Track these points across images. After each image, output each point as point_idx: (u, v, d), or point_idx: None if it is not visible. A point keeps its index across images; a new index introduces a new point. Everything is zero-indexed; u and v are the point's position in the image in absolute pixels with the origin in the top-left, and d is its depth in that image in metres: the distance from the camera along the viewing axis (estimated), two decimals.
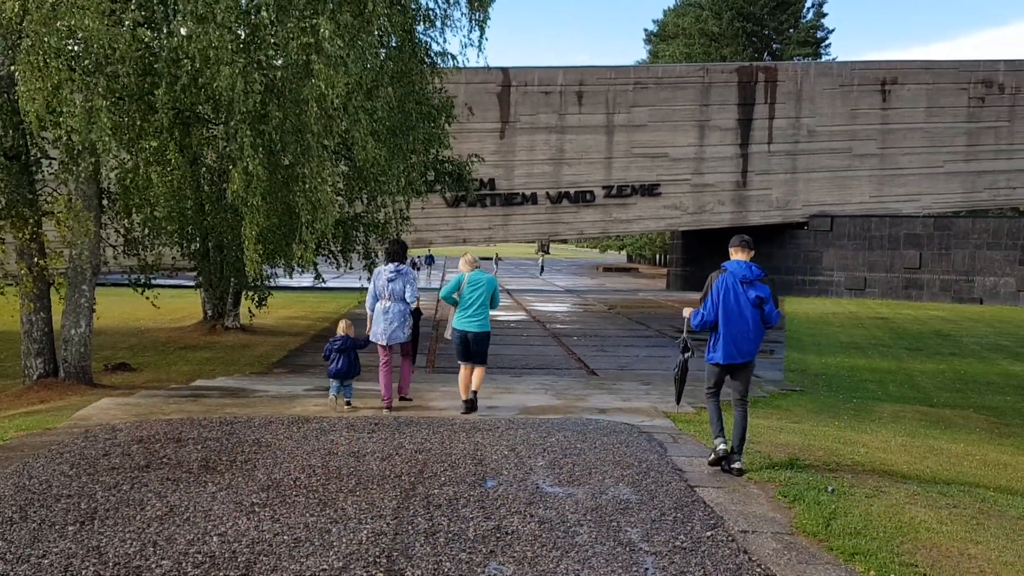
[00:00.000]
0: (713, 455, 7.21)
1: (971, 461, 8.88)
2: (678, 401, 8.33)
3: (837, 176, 36.60)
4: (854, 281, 35.67)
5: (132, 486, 6.33)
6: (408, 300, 9.52)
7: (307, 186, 10.72)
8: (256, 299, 17.76)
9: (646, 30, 69.60)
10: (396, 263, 9.56)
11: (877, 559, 5.17)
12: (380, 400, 9.81)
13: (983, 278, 33.72)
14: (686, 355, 7.65)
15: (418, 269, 55.01)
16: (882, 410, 12.31)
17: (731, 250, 7.35)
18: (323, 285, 20.50)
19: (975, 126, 36.59)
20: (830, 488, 6.61)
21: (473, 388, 9.60)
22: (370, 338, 9.66)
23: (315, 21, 9.60)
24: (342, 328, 10.02)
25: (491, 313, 9.65)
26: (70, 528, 5.36)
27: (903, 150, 36.55)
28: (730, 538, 5.46)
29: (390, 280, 9.45)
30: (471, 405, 9.57)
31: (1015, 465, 9.00)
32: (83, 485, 6.32)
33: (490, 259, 54.94)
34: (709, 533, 5.55)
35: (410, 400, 10.32)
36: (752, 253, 7.30)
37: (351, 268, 19.44)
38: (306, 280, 23.76)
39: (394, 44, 13.52)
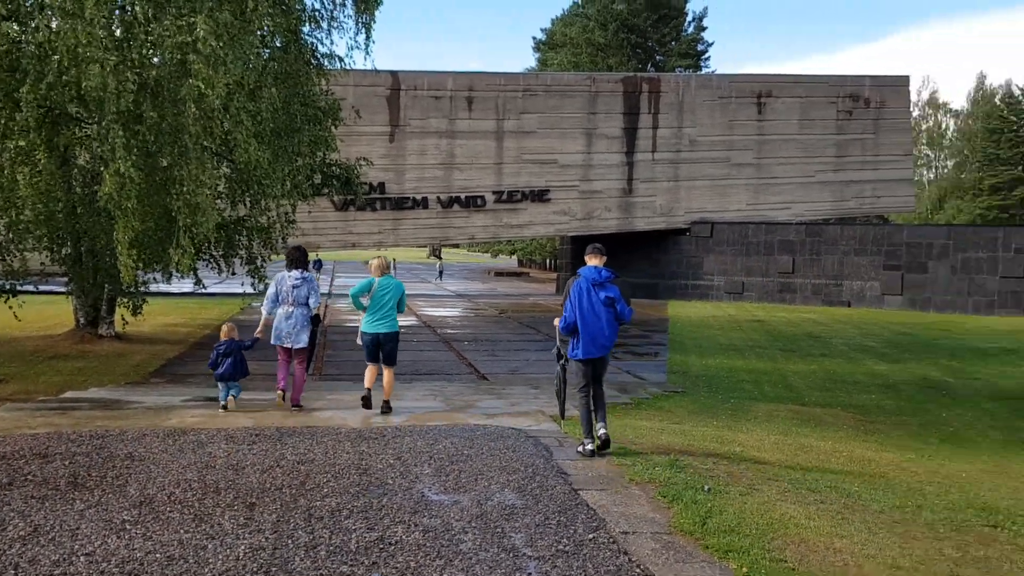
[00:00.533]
0: (583, 450, 7.99)
1: (838, 457, 9.37)
2: (562, 415, 9.26)
3: (717, 184, 37.97)
4: (733, 285, 37.06)
5: None
6: (311, 305, 9.88)
7: (185, 189, 10.37)
8: (131, 306, 17.01)
9: (534, 38, 70.52)
10: (300, 269, 9.88)
11: (749, 556, 5.38)
12: (276, 392, 10.15)
13: (851, 282, 35.61)
14: (561, 362, 8.45)
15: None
16: (758, 409, 12.82)
17: (586, 257, 8.23)
18: (204, 291, 19.81)
19: (843, 138, 38.64)
20: (707, 487, 6.85)
21: (385, 397, 10.01)
22: (272, 341, 9.86)
23: (192, 19, 9.30)
24: (225, 332, 10.17)
25: None
26: None
27: (777, 160, 38.25)
28: (611, 540, 5.58)
29: (295, 286, 9.77)
30: (368, 401, 10.00)
31: (878, 460, 9.54)
32: None
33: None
34: (591, 536, 5.65)
35: (300, 408, 10.25)
36: (604, 259, 8.15)
37: (234, 273, 18.85)
38: (186, 286, 22.93)
39: (279, 45, 13.25)
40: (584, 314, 7.84)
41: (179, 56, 9.42)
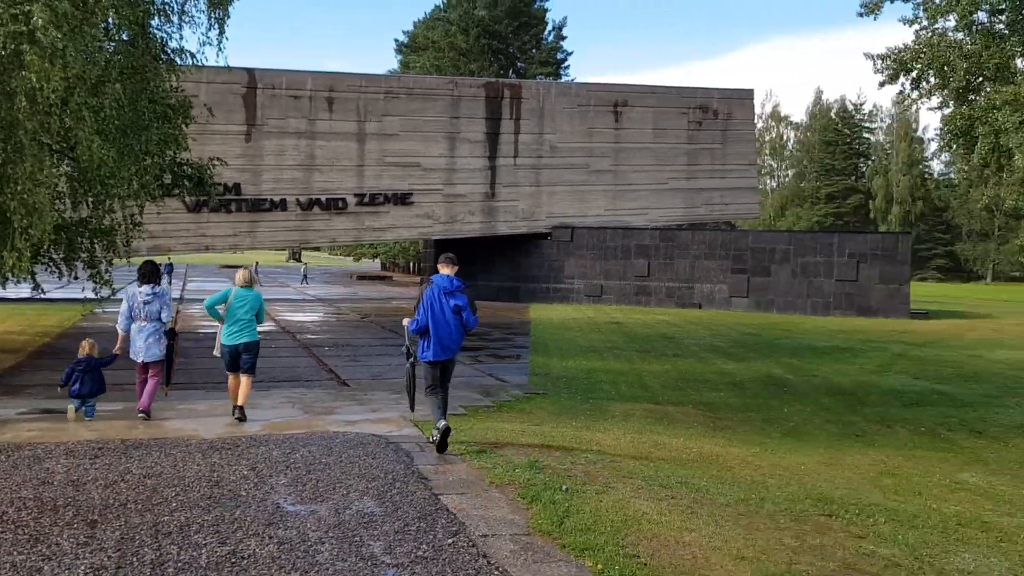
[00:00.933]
0: (437, 433, 8.33)
1: (689, 453, 9.79)
2: (412, 408, 9.51)
3: (576, 190, 38.90)
4: (592, 288, 38.04)
5: None
6: (164, 320, 9.95)
7: (20, 188, 9.68)
8: None
9: (397, 40, 70.06)
10: (152, 284, 9.92)
11: (604, 552, 5.55)
12: (137, 410, 9.96)
13: (701, 285, 37.28)
14: (410, 360, 8.89)
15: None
16: (615, 409, 13.21)
17: (439, 265, 8.89)
18: (44, 296, 18.56)
19: (694, 147, 40.43)
20: (564, 487, 7.01)
21: (240, 404, 9.98)
22: (130, 356, 9.88)
23: (28, 8, 8.70)
24: (85, 348, 10.06)
25: None
26: None
27: (633, 167, 39.59)
28: (471, 543, 5.63)
29: (146, 302, 9.82)
30: (240, 412, 9.96)
31: (725, 456, 10.03)
32: None
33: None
34: (451, 540, 5.68)
35: (148, 417, 9.93)
36: (456, 268, 8.81)
37: (76, 278, 17.74)
38: (24, 291, 21.43)
39: (125, 38, 12.59)
40: (435, 319, 8.48)
41: (13, 46, 8.79)
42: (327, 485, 6.97)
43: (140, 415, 9.91)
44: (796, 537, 6.23)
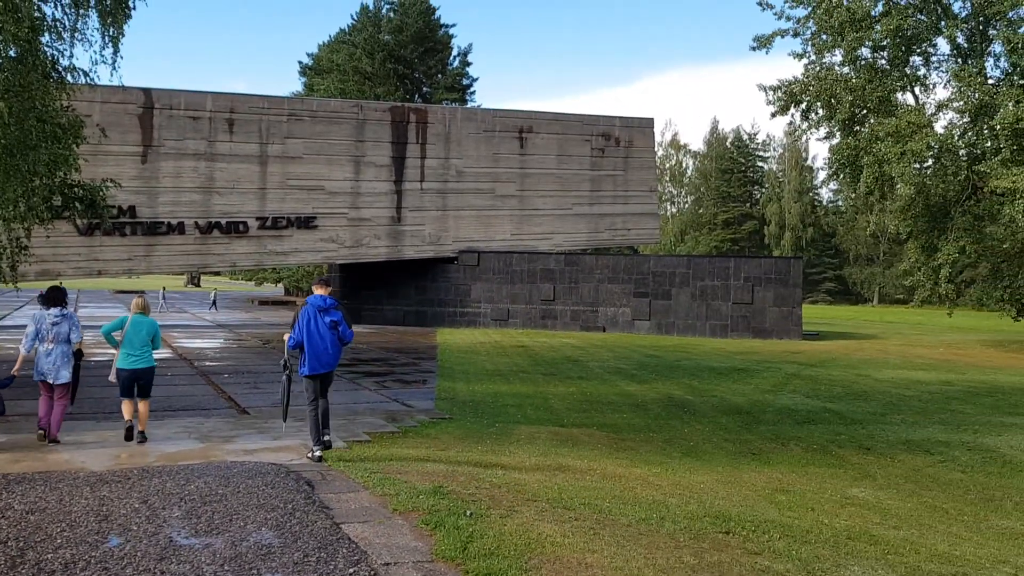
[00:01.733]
0: (311, 456, 9.14)
1: (592, 475, 9.90)
2: (284, 419, 10.23)
3: (483, 214, 39.13)
4: (499, 312, 38.22)
5: None
6: (73, 340, 10.08)
7: None
8: None
9: (301, 63, 69.27)
10: (60, 307, 10.11)
11: None
12: (36, 429, 10.13)
13: (606, 308, 37.94)
14: (286, 372, 9.57)
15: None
16: (520, 432, 13.26)
17: (313, 287, 9.51)
18: None
19: (597, 174, 41.27)
20: (468, 512, 7.00)
21: (140, 428, 10.22)
22: (35, 378, 9.95)
23: None
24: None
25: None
26: None
27: (538, 192, 40.11)
28: (372, 572, 5.55)
29: (55, 324, 9.96)
30: (138, 434, 10.18)
31: (628, 476, 10.18)
32: None
33: (156, 292, 53.06)
34: (352, 570, 5.59)
35: (58, 442, 10.00)
36: (330, 289, 9.48)
37: None
38: None
39: (12, 54, 12.07)
40: (311, 336, 9.09)
41: None
42: (223, 517, 6.76)
43: (49, 442, 9.89)
44: (695, 555, 6.38)
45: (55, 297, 10.22)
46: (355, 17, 63.08)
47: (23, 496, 7.28)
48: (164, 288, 58.20)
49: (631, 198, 41.98)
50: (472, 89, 63.95)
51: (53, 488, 7.60)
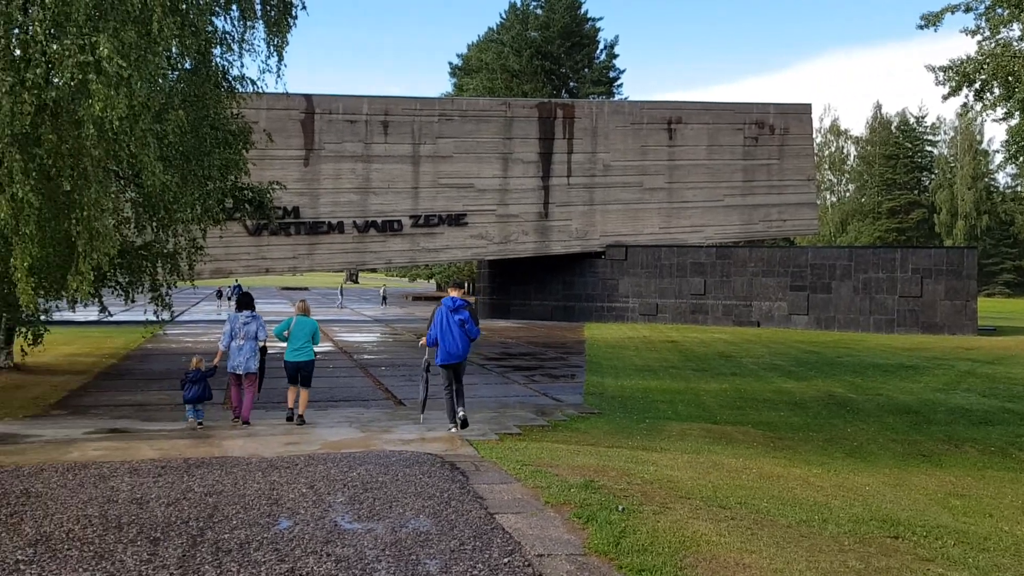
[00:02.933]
0: (450, 430, 10.66)
1: (748, 474, 9.58)
2: (422, 411, 11.50)
3: (630, 208, 38.74)
4: (647, 307, 37.75)
5: None
6: (260, 338, 11.57)
7: (85, 214, 10.00)
8: (30, 336, 16.25)
9: (451, 63, 70.89)
10: (249, 311, 11.64)
11: (662, 574, 5.45)
12: (231, 415, 11.66)
13: (760, 303, 36.72)
14: (426, 372, 11.13)
15: (228, 299, 53.16)
16: (671, 429, 13.03)
17: (448, 289, 11.03)
18: (110, 319, 19.08)
19: (750, 163, 39.99)
20: (621, 507, 6.92)
21: (300, 412, 11.58)
22: (228, 369, 11.46)
23: (94, 39, 9.01)
24: (194, 363, 11.62)
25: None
26: None
27: (688, 184, 39.30)
28: (526, 563, 5.58)
29: (245, 324, 11.50)
30: (298, 418, 11.51)
31: (786, 476, 9.80)
32: None
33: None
34: (506, 559, 5.64)
35: (249, 424, 11.31)
36: (462, 291, 10.81)
37: (133, 301, 18.20)
38: (92, 314, 22.07)
39: (188, 66, 12.94)
40: (443, 332, 10.57)
41: (80, 76, 9.12)
42: (383, 503, 6.99)
43: (241, 424, 11.31)
44: (861, 560, 6.05)
45: (245, 302, 11.83)
46: (503, 16, 63.92)
47: (202, 479, 7.80)
48: (342, 286, 61.75)
49: (787, 187, 40.43)
50: (619, 82, 63.49)
51: (229, 472, 8.11)
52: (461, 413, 10.72)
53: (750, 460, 10.64)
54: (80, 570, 5.31)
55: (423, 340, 11.02)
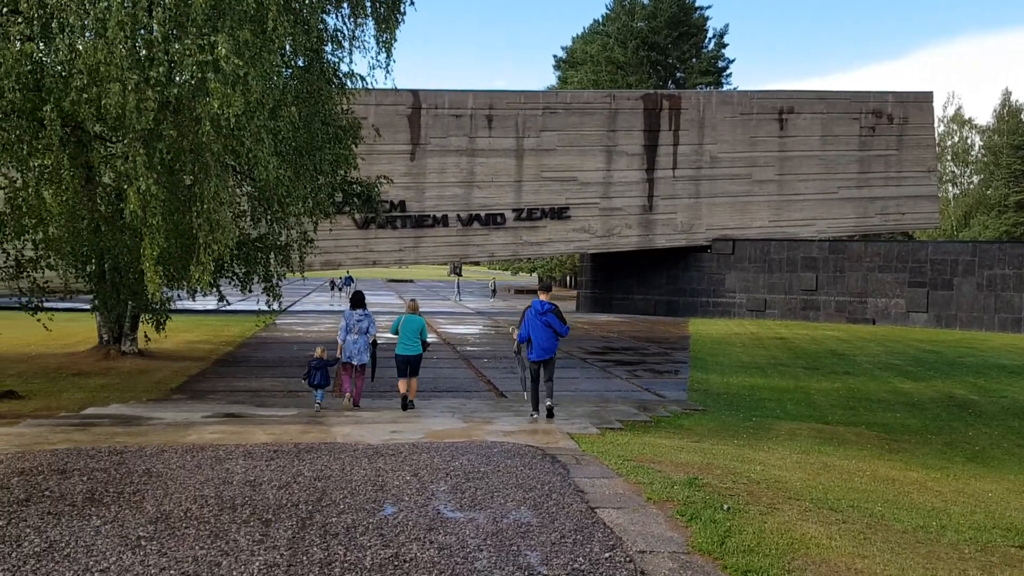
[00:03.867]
0: (536, 415, 11.55)
1: (861, 477, 9.21)
2: (524, 388, 12.20)
3: (738, 201, 37.82)
4: (755, 302, 36.79)
5: (9, 521, 5.99)
6: (370, 334, 12.76)
7: (205, 206, 10.44)
8: (154, 323, 17.13)
9: (555, 56, 70.80)
10: (361, 309, 12.87)
11: None
12: (345, 399, 12.80)
13: (875, 299, 35.27)
14: (518, 355, 12.11)
15: (339, 289, 54.96)
16: (779, 428, 12.67)
17: (538, 292, 11.97)
18: (227, 308, 19.92)
19: (866, 154, 38.40)
20: (726, 506, 6.76)
21: (411, 397, 12.57)
22: (343, 360, 12.69)
23: (213, 38, 9.38)
24: (318, 352, 12.74)
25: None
26: None
27: (800, 176, 38.06)
28: (627, 559, 5.51)
29: (359, 320, 12.73)
30: (406, 402, 12.46)
31: (902, 480, 9.38)
32: None
33: (452, 281, 60.30)
34: (607, 554, 5.59)
35: (359, 408, 12.46)
36: (549, 294, 11.90)
37: (250, 291, 18.94)
38: (210, 303, 23.08)
39: (300, 64, 13.33)
40: (534, 331, 11.45)
41: (199, 74, 9.51)
42: (485, 493, 7.04)
43: (352, 407, 12.50)
44: (983, 569, 5.73)
45: (358, 301, 13.07)
46: (609, 7, 63.36)
47: (312, 464, 8.04)
48: (458, 279, 62.84)
49: (905, 179, 38.66)
50: (728, 72, 62.05)
51: (337, 458, 8.33)
52: (548, 403, 11.56)
53: (863, 462, 10.23)
54: (196, 548, 5.55)
55: (514, 332, 12.07)
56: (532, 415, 11.59)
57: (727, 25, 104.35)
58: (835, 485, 8.37)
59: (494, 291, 56.79)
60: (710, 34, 61.53)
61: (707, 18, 60.86)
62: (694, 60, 60.38)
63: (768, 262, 36.70)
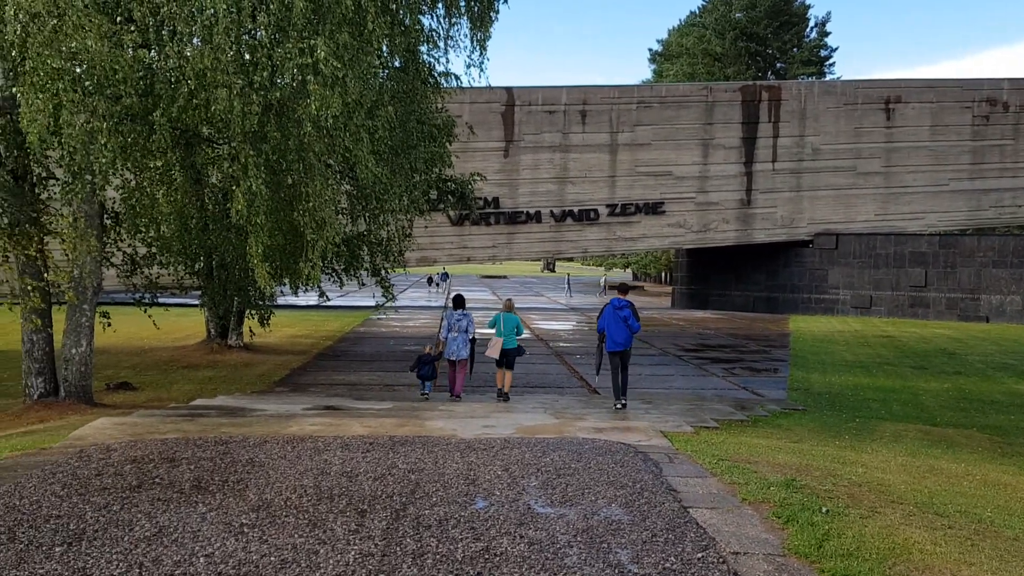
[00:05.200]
0: (616, 407, 12.26)
1: (971, 481, 8.79)
2: (597, 372, 13.57)
3: (842, 194, 36.58)
4: (860, 299, 35.54)
5: (122, 506, 6.32)
6: (469, 332, 13.59)
7: (310, 204, 10.77)
8: (260, 318, 17.77)
9: (650, 50, 69.97)
10: (461, 310, 13.75)
11: None
12: (449, 394, 13.76)
13: (989, 296, 33.57)
14: (602, 342, 12.82)
15: (436, 285, 56.05)
16: (884, 429, 12.22)
17: (617, 293, 13.06)
18: (327, 304, 20.50)
19: (979, 144, 36.57)
20: (824, 509, 6.56)
21: (505, 389, 13.40)
22: (445, 356, 13.68)
23: (313, 42, 9.65)
24: (426, 349, 14.12)
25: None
26: (57, 549, 5.35)
27: (908, 168, 36.54)
28: (721, 560, 5.42)
29: (458, 320, 13.62)
30: (503, 395, 13.31)
31: (1015, 485, 8.91)
32: (73, 505, 6.32)
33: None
34: (700, 555, 5.50)
35: (459, 398, 13.40)
36: (627, 293, 13.04)
37: (363, 285, 19.46)
38: (311, 298, 23.80)
39: (397, 64, 13.58)
40: (609, 325, 12.56)
41: (300, 77, 9.81)
42: (576, 490, 7.04)
43: (454, 398, 13.42)
44: None
45: (458, 302, 13.97)
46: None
47: (406, 457, 8.20)
48: (569, 275, 63.07)
49: (1022, 170, 36.64)
50: (831, 61, 60.05)
51: (430, 451, 8.47)
52: (624, 400, 12.45)
53: (973, 466, 9.76)
54: (295, 536, 5.73)
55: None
56: (615, 404, 12.35)
57: (829, 13, 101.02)
58: (942, 489, 8.02)
59: (604, 288, 55.66)
60: (812, 23, 59.69)
61: (808, 6, 59.07)
62: (795, 50, 58.67)
63: (874, 257, 35.39)
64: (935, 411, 14.26)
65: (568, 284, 57.39)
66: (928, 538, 5.99)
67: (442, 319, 13.71)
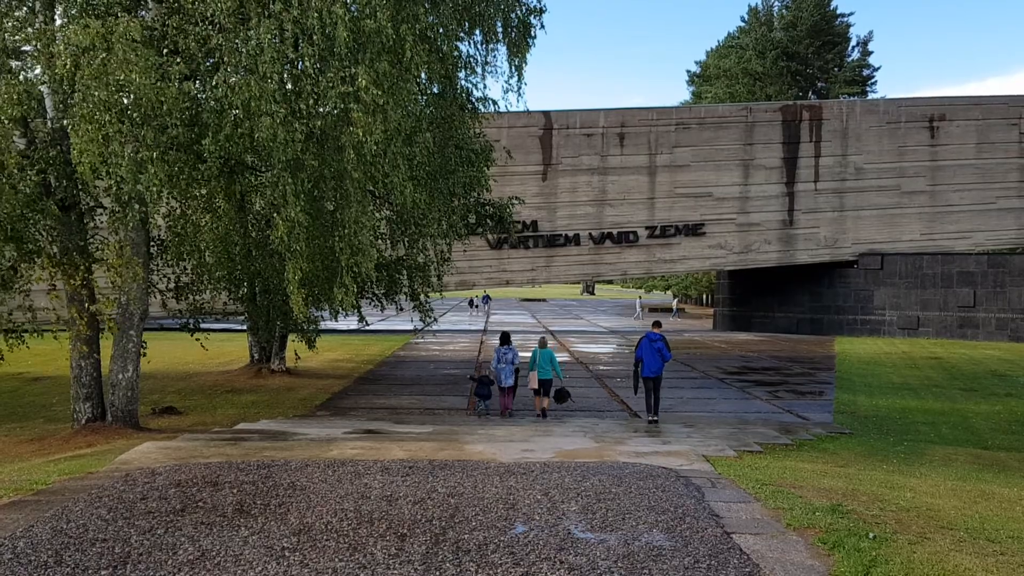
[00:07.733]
0: (648, 422, 13.64)
1: None
2: (635, 392, 14.48)
3: (886, 214, 36.03)
4: (907, 320, 34.88)
5: (166, 530, 6.40)
6: (514, 363, 15.47)
7: (347, 231, 10.89)
8: (305, 341, 17.91)
9: (689, 71, 69.83)
10: (508, 345, 15.65)
11: None
12: (501, 413, 15.16)
13: None
14: (637, 367, 14.21)
15: (476, 307, 56.50)
16: (933, 453, 11.94)
17: (651, 326, 14.73)
18: (368, 328, 20.62)
19: None
20: (871, 535, 6.42)
21: (545, 407, 15.05)
22: (497, 384, 15.50)
23: (354, 71, 9.81)
24: (481, 371, 16.52)
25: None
26: (103, 572, 5.43)
27: (953, 187, 35.90)
28: None
29: (505, 353, 15.51)
30: (544, 414, 14.87)
31: None
32: (119, 529, 6.41)
33: (634, 301, 62.59)
34: None
35: (512, 415, 14.99)
36: (660, 328, 14.64)
37: (401, 309, 19.61)
38: (352, 323, 24.01)
39: (435, 91, 13.72)
40: (644, 354, 14.06)
41: (342, 105, 9.97)
42: (616, 515, 6.97)
43: (507, 414, 15.06)
44: None
45: (505, 339, 15.90)
46: (744, 20, 62.03)
47: (445, 480, 8.20)
48: (640, 298, 63.24)
49: None
50: (873, 80, 59.39)
51: (469, 475, 8.46)
52: (655, 418, 13.86)
53: None
54: (336, 560, 5.75)
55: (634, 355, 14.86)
56: (649, 418, 13.81)
57: (871, 32, 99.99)
58: (994, 515, 7.80)
59: (641, 309, 55.30)
60: (854, 41, 59.19)
61: (850, 25, 58.66)
62: (837, 70, 58.15)
63: (920, 277, 34.74)
64: (986, 434, 13.90)
65: (639, 306, 56.75)
66: (979, 565, 5.83)
67: (480, 342, 14.29)
